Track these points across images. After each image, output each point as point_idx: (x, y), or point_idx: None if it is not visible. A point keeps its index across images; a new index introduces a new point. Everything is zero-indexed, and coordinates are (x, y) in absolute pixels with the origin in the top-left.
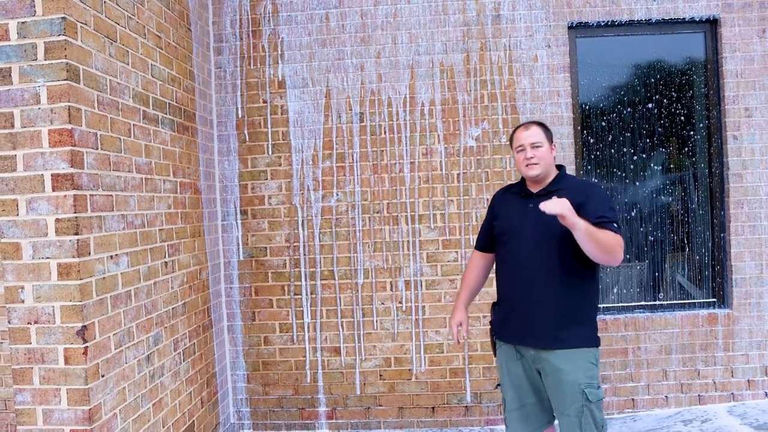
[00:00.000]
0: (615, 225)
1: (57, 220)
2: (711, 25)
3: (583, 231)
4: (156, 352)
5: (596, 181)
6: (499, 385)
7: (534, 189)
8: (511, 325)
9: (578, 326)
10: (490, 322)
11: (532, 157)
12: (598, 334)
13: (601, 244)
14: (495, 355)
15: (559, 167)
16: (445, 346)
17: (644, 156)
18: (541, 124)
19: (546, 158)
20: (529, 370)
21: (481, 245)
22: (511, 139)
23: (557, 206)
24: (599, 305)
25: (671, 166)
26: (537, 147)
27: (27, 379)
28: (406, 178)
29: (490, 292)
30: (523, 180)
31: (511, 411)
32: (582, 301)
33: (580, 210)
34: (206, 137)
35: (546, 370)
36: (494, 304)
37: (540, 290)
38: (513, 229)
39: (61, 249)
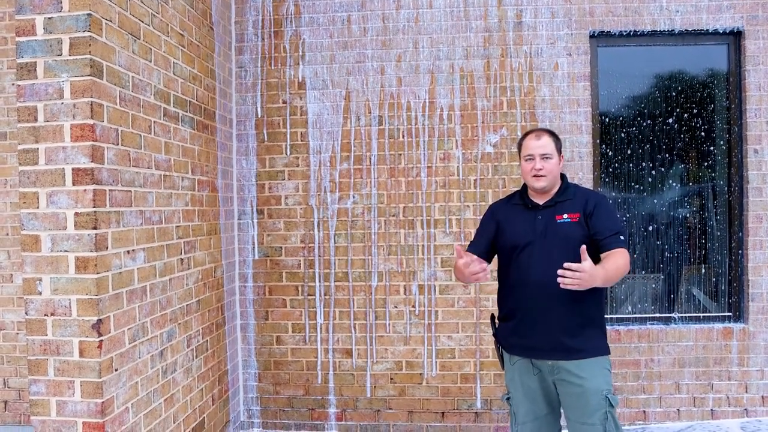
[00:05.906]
0: (622, 237)
1: (76, 213)
2: (735, 37)
3: (602, 281)
4: (169, 348)
5: (601, 191)
6: (509, 398)
7: (539, 200)
8: (527, 339)
9: (594, 335)
10: (495, 335)
11: (540, 169)
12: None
13: (617, 276)
14: (503, 369)
15: (562, 176)
16: (456, 351)
17: (662, 168)
18: (552, 134)
19: (554, 171)
20: (544, 383)
21: (479, 255)
22: (519, 145)
23: (574, 283)
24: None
25: (690, 179)
26: (547, 159)
27: (42, 371)
28: (423, 182)
29: (491, 299)
30: (524, 189)
31: (524, 423)
32: (595, 310)
33: (588, 220)
34: (225, 136)
35: (566, 380)
36: (499, 318)
37: (558, 303)
38: (524, 242)
39: (79, 243)
